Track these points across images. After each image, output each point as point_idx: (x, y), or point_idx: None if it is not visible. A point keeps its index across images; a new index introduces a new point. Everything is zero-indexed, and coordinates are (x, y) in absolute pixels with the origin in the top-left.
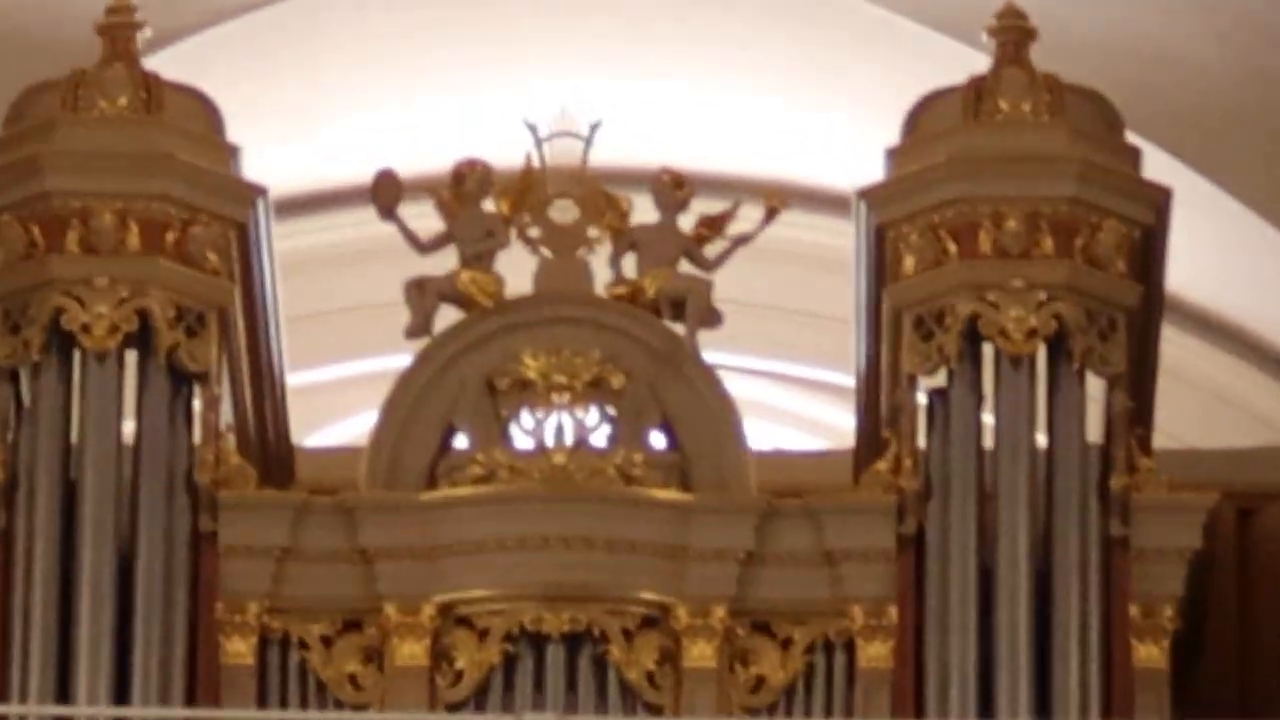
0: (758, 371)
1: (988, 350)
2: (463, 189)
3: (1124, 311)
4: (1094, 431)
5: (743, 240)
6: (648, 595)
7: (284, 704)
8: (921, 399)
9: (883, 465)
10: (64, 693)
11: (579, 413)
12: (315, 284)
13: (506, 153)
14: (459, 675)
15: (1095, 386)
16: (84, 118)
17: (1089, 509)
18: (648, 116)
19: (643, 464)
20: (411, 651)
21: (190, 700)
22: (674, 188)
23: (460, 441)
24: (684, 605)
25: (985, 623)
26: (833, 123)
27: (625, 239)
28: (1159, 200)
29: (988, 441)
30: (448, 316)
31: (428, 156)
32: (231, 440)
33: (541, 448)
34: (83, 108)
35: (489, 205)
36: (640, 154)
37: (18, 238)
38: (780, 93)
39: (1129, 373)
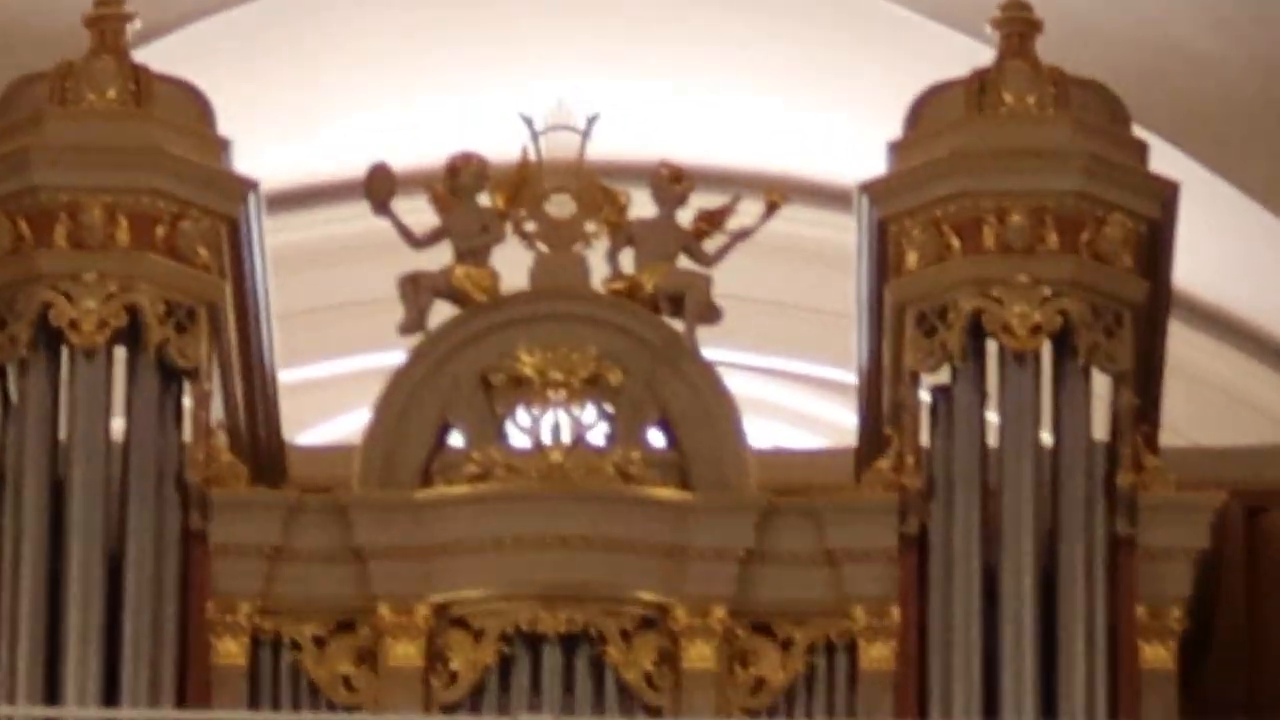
0: (758, 368)
1: (991, 347)
2: (457, 183)
3: (1130, 307)
4: (1100, 429)
5: (742, 235)
6: (646, 595)
7: (276, 705)
8: (924, 396)
9: (885, 463)
10: (52, 694)
11: (576, 410)
12: (307, 279)
13: (502, 146)
14: (454, 676)
15: (1101, 383)
16: (72, 111)
17: (1095, 508)
18: (645, 110)
19: (641, 462)
20: (406, 652)
21: (180, 702)
22: (672, 182)
23: (455, 439)
24: (683, 605)
25: (989, 623)
26: (834, 116)
27: (623, 234)
28: (1166, 194)
29: (992, 439)
30: (442, 312)
31: (422, 150)
32: (222, 437)
33: (538, 445)
34: (71, 100)
35: (484, 199)
36: (638, 148)
37: (5, 232)
38: (780, 85)
39: (1135, 369)
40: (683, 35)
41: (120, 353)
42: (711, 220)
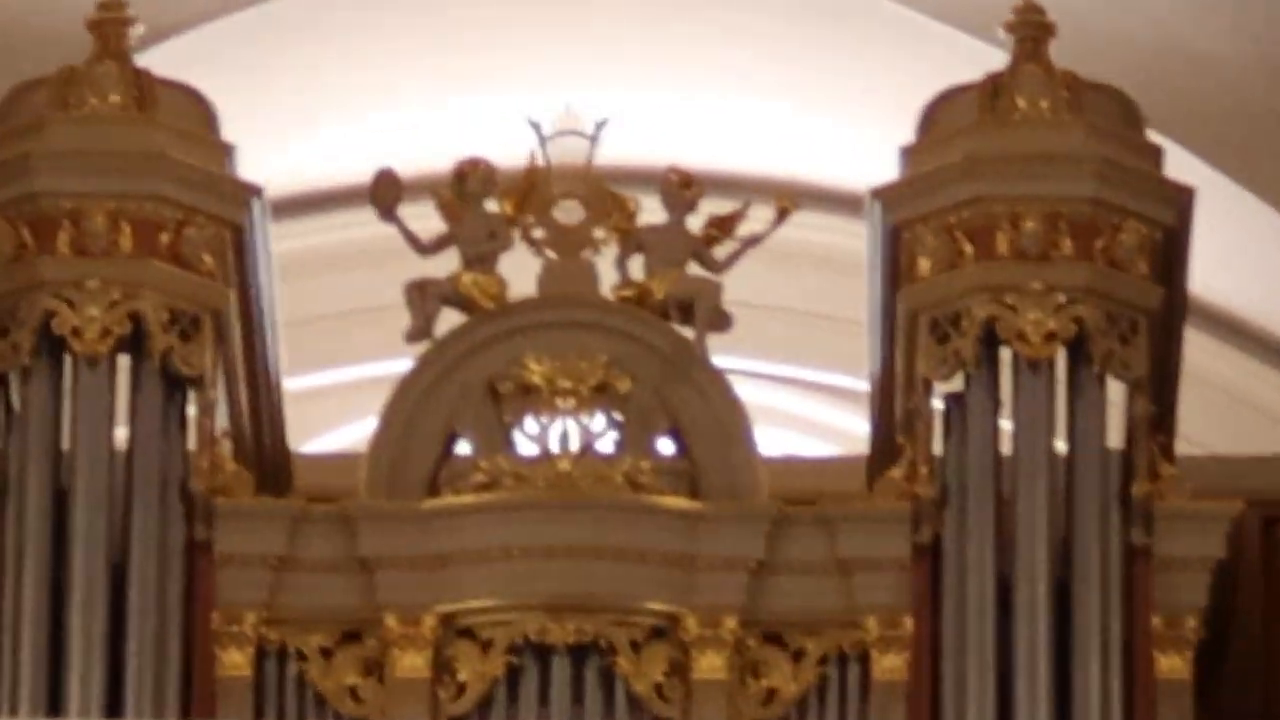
0: (768, 376)
1: (1005, 354)
2: (465, 189)
3: (1145, 314)
4: (1115, 437)
5: (753, 241)
6: (656, 605)
7: (282, 717)
8: (937, 404)
9: (897, 472)
10: (55, 705)
11: (585, 418)
12: (313, 286)
13: (510, 152)
14: (461, 688)
15: (1116, 391)
16: (75, 116)
17: (1110, 517)
18: (654, 114)
19: (650, 471)
20: (413, 663)
21: (185, 714)
22: (682, 187)
23: (463, 448)
24: (693, 616)
25: (1003, 634)
26: (845, 120)
27: (632, 240)
28: (1181, 200)
29: (1005, 448)
30: (449, 320)
31: (429, 155)
32: (227, 446)
33: (546, 454)
34: (73, 105)
35: (492, 205)
36: (647, 153)
37: (7, 239)
38: (791, 89)
39: (1151, 377)
40: (692, 38)
41: (124, 361)
42: (722, 226)
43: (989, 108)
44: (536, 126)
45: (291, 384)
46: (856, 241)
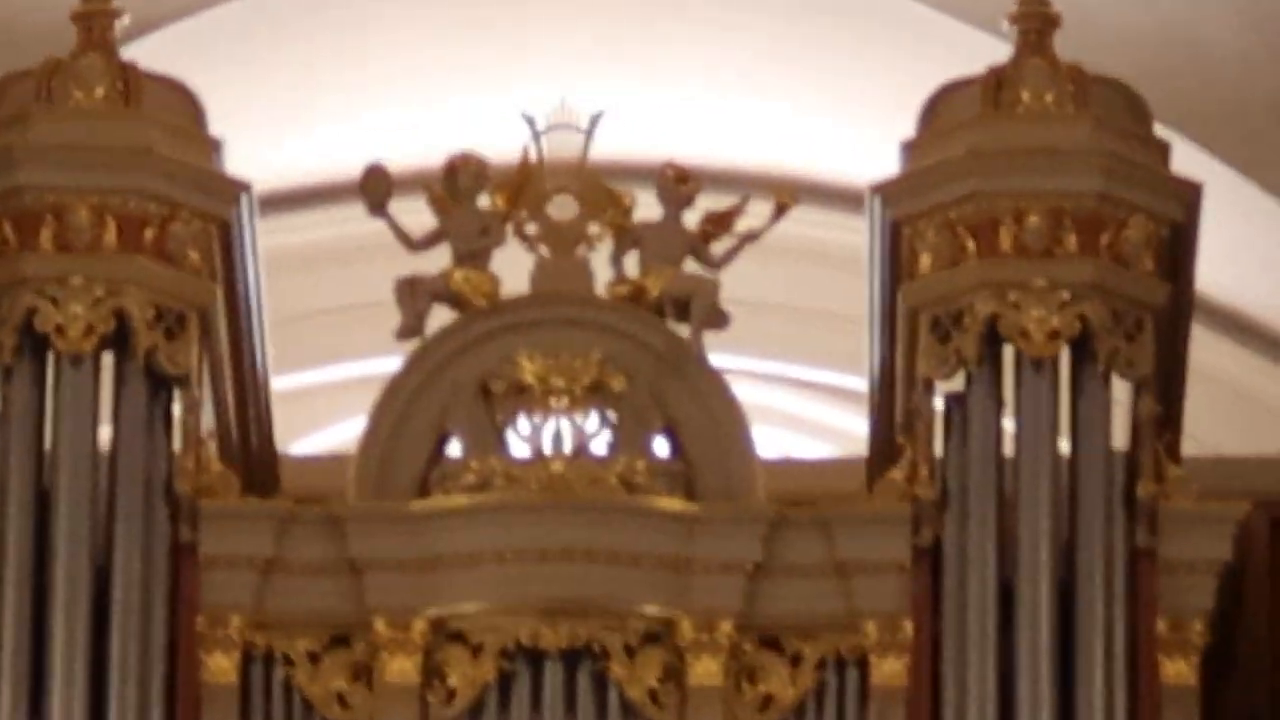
0: (766, 375)
1: (1008, 352)
2: (456, 184)
3: (1151, 312)
4: (1120, 438)
5: (751, 237)
6: (650, 609)
7: None
8: (938, 403)
9: (897, 473)
10: (37, 711)
11: (578, 418)
12: (301, 283)
13: (503, 146)
14: (452, 693)
15: (1121, 390)
16: (59, 109)
17: (1114, 519)
18: (650, 108)
19: (645, 472)
20: (402, 668)
21: (169, 719)
22: (678, 183)
23: (454, 448)
24: (688, 620)
25: (1005, 638)
26: (845, 114)
27: (627, 236)
28: (1188, 195)
29: (1008, 448)
30: (440, 317)
31: (420, 150)
32: (213, 447)
33: (539, 455)
34: (57, 99)
35: (484, 201)
36: (643, 147)
37: None
38: (789, 83)
39: (1156, 376)
40: (689, 31)
41: (108, 359)
42: (719, 222)
43: (992, 101)
44: (530, 121)
45: (279, 383)
46: (856, 237)
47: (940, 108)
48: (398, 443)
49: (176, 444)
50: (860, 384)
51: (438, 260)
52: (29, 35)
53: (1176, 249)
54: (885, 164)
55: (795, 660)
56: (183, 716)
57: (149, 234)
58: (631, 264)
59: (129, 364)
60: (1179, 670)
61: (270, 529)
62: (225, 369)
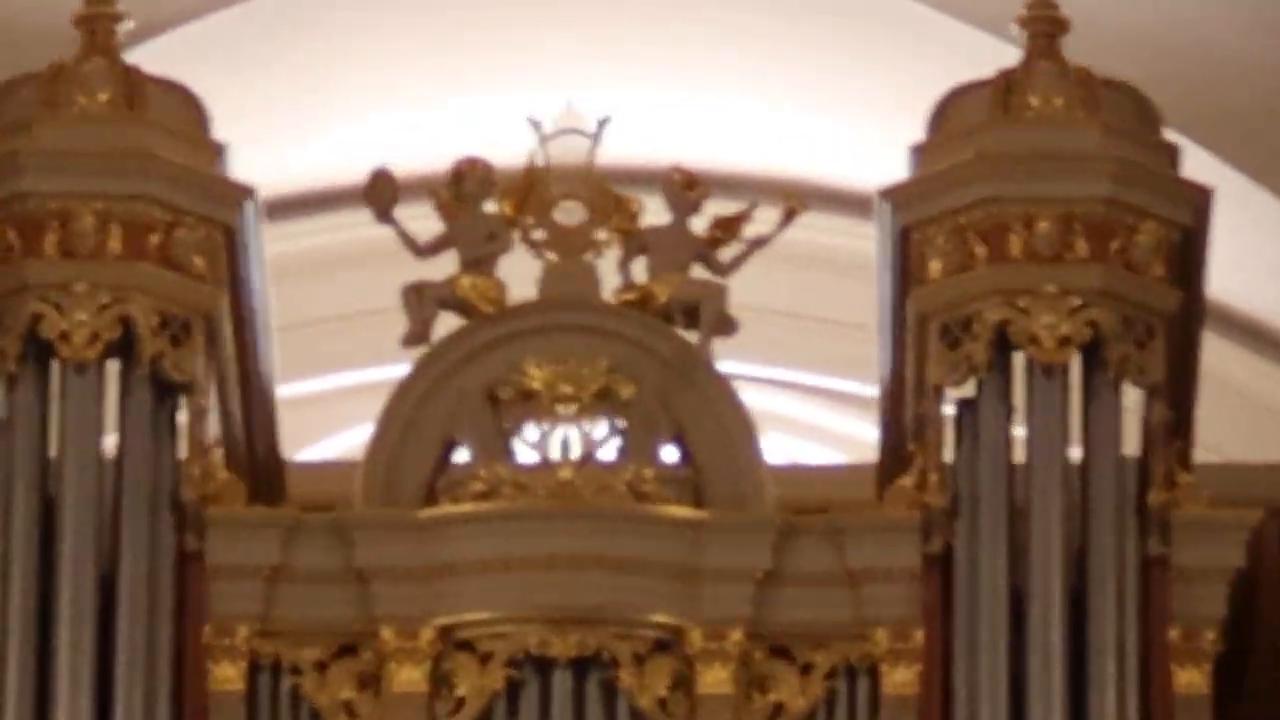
0: (775, 381)
1: (1018, 359)
2: (463, 189)
3: (1162, 318)
4: (1131, 444)
5: (759, 243)
6: (659, 618)
7: None
8: (948, 410)
9: (907, 480)
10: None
11: (586, 425)
12: (307, 289)
13: (509, 151)
14: (460, 702)
15: (1132, 397)
16: (62, 114)
17: (1126, 526)
18: (658, 113)
19: (654, 479)
20: (410, 677)
21: None
22: (686, 188)
23: (461, 456)
24: (698, 628)
25: (1016, 646)
26: (854, 119)
27: (635, 242)
28: (1199, 201)
29: (1018, 455)
30: (447, 324)
31: (426, 155)
32: (219, 454)
33: (546, 462)
34: (61, 104)
35: (490, 206)
36: (650, 152)
37: None
38: (798, 87)
39: (1168, 382)
40: (696, 35)
41: (113, 366)
42: (727, 228)
43: (1001, 105)
44: (537, 125)
45: (285, 390)
46: (865, 243)
47: (949, 111)
48: (405, 450)
49: (182, 452)
50: (870, 390)
51: (444, 266)
52: (29, 36)
53: (1187, 254)
54: (891, 167)
55: (806, 669)
56: None
57: (154, 240)
58: (639, 270)
59: (134, 371)
60: (1191, 679)
61: (277, 537)
62: (231, 376)
